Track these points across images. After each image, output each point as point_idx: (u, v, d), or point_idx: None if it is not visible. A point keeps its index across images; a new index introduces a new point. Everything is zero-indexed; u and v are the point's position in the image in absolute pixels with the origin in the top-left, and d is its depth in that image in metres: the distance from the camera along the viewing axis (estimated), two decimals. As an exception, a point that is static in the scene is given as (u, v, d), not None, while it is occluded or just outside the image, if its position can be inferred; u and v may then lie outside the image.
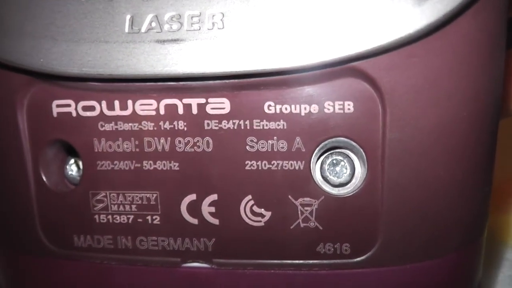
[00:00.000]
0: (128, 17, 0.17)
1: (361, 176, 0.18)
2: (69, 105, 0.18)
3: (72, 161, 0.20)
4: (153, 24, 0.17)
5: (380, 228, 0.18)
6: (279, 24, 0.16)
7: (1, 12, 0.18)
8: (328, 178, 0.18)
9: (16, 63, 0.18)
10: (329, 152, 0.18)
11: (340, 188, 0.18)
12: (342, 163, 0.18)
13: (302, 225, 0.18)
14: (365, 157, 0.18)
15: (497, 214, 0.29)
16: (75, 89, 0.18)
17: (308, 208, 0.18)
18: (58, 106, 0.18)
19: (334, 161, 0.18)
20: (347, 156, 0.18)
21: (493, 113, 0.18)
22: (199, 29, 0.16)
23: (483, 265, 0.21)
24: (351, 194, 0.18)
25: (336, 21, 0.16)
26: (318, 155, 0.18)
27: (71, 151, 0.20)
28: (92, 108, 0.18)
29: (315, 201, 0.18)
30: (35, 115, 0.19)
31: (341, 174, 0.18)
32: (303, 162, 0.18)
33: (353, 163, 0.18)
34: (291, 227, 0.18)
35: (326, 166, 0.18)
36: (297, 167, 0.18)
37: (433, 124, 0.17)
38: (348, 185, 0.18)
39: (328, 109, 0.17)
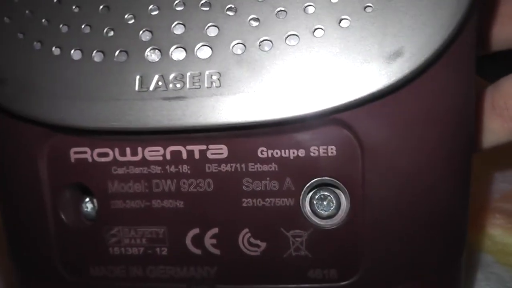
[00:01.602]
0: (137, 77, 0.19)
1: (346, 209, 0.20)
2: (85, 152, 0.21)
3: (87, 199, 0.22)
4: (160, 83, 0.19)
5: (364, 254, 0.20)
6: (270, 81, 0.19)
7: (26, 73, 0.20)
8: (316, 212, 0.21)
9: (39, 118, 0.20)
10: (317, 188, 0.21)
11: (328, 220, 0.21)
12: (329, 198, 0.21)
13: (293, 253, 0.20)
14: (347, 194, 0.20)
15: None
16: (90, 138, 0.20)
17: (299, 239, 0.20)
18: (75, 153, 0.21)
19: (322, 196, 0.21)
20: (333, 192, 0.21)
21: (466, 150, 0.21)
22: (200, 87, 0.19)
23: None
24: (337, 225, 0.20)
25: (318, 79, 0.18)
26: (308, 191, 0.20)
27: (86, 191, 0.22)
28: (106, 155, 0.21)
29: (305, 233, 0.20)
30: (54, 161, 0.21)
31: (328, 208, 0.21)
32: (293, 199, 0.20)
33: (339, 197, 0.21)
34: (284, 256, 0.21)
35: (314, 201, 0.21)
36: (288, 203, 0.20)
37: (408, 163, 0.19)
38: (335, 217, 0.21)
39: (314, 153, 0.20)
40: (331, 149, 0.19)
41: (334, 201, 0.21)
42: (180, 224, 0.21)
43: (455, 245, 0.22)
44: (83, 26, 0.20)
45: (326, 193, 0.21)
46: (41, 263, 0.22)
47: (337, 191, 0.21)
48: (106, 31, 0.19)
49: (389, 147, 0.19)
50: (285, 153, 0.20)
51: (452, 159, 0.20)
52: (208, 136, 0.20)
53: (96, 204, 0.22)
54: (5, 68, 0.20)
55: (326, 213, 0.21)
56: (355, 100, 0.18)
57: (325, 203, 0.21)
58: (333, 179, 0.20)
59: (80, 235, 0.22)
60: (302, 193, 0.20)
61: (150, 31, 0.19)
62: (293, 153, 0.20)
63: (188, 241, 0.21)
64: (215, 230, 0.20)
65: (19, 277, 0.24)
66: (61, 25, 0.20)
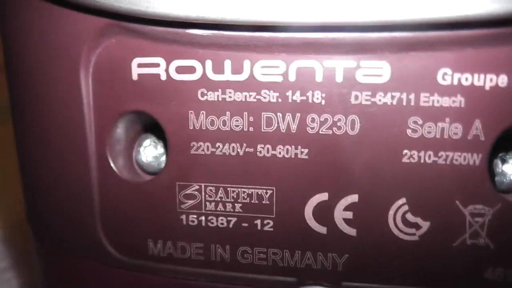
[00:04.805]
0: None
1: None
2: (157, 65, 0.14)
3: (147, 141, 0.15)
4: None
5: None
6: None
7: None
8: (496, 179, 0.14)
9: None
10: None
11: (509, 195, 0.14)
12: (512, 159, 0.14)
13: (469, 241, 0.14)
14: None
15: None
16: (167, 42, 0.13)
17: (480, 220, 0.13)
18: (140, 65, 0.14)
19: (503, 157, 0.14)
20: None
21: None
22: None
23: None
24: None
25: None
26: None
27: (147, 127, 0.15)
28: (191, 70, 0.14)
29: (490, 210, 0.13)
30: (106, 77, 0.14)
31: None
32: (480, 155, 0.13)
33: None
34: (454, 244, 0.14)
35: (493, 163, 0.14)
36: (471, 162, 0.13)
37: None
38: None
39: (523, 82, 0.13)
40: None
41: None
42: (298, 185, 0.14)
43: None
44: None
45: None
46: (77, 236, 0.16)
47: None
48: None
49: None
50: (478, 80, 0.12)
51: None
52: (362, 44, 0.13)
53: (164, 148, 0.15)
54: None
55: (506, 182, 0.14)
56: None
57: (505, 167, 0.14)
58: None
59: (135, 193, 0.15)
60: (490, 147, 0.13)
61: None
62: (491, 80, 0.13)
63: (308, 211, 0.14)
64: (353, 198, 0.14)
65: (44, 257, 0.17)
66: None
